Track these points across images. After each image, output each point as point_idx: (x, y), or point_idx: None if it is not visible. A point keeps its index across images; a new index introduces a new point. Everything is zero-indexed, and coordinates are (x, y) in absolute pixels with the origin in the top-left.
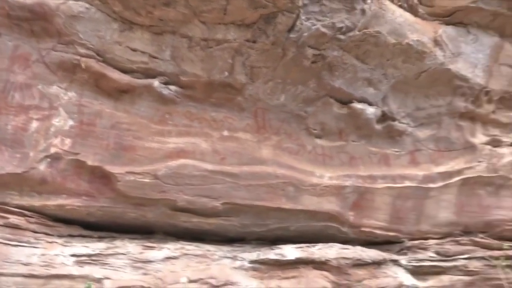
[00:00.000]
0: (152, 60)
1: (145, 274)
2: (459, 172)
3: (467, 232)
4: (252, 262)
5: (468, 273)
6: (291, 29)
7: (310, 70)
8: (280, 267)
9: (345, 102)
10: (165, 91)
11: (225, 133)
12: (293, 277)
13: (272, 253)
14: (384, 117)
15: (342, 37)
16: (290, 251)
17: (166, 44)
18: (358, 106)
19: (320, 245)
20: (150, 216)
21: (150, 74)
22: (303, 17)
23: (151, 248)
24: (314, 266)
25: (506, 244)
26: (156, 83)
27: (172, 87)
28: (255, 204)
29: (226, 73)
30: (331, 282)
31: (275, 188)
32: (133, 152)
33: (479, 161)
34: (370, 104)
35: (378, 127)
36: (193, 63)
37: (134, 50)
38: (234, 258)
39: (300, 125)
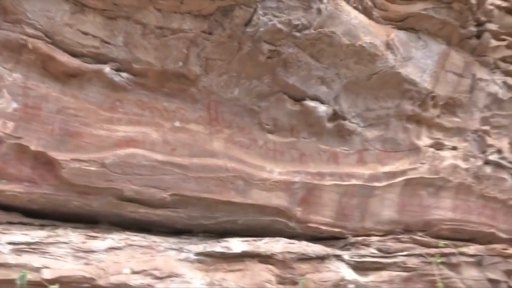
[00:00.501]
0: (103, 45)
1: (87, 264)
2: (403, 172)
3: (407, 230)
4: (197, 254)
5: (406, 269)
6: (248, 23)
7: (265, 65)
8: (226, 260)
9: (298, 99)
10: (116, 78)
11: (177, 124)
12: (239, 270)
13: (218, 246)
14: (335, 116)
15: (297, 34)
16: (236, 244)
17: (119, 30)
18: (311, 104)
19: (266, 239)
20: (95, 205)
21: (101, 59)
22: (260, 12)
23: (95, 238)
24: (260, 260)
25: (442, 243)
26: (107, 69)
27: (124, 74)
28: (204, 196)
29: (181, 63)
30: (275, 276)
31: (225, 181)
32: (79, 138)
33: (422, 163)
34: (322, 102)
35: (329, 125)
36: (147, 51)
37: (85, 33)
38: (180, 250)
39: (252, 120)
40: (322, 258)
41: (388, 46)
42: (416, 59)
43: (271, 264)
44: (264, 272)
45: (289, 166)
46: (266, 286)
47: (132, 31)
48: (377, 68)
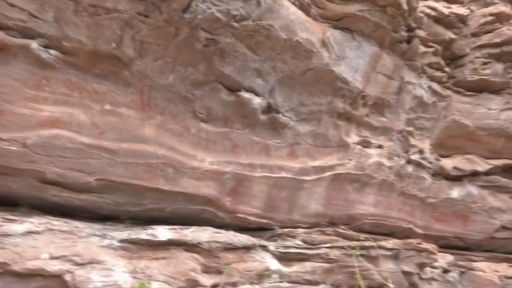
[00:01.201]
0: (32, 19)
1: (1, 248)
2: (331, 167)
3: (332, 223)
4: (121, 241)
5: (328, 260)
6: (186, 9)
7: (201, 53)
8: (151, 247)
9: (233, 89)
10: (44, 55)
11: (107, 107)
12: (163, 258)
13: (143, 233)
14: (269, 109)
15: (236, 25)
16: (162, 232)
17: (49, 4)
18: (246, 95)
19: (194, 228)
20: (15, 187)
21: (28, 34)
22: None
23: (12, 221)
24: (186, 248)
25: (362, 236)
26: (34, 44)
27: (52, 52)
28: (132, 182)
29: (114, 45)
30: (200, 265)
31: (155, 168)
32: (1, 116)
33: (350, 159)
34: (257, 94)
35: (263, 118)
36: (78, 29)
37: (12, 5)
38: (103, 236)
39: (186, 108)
40: (248, 248)
41: (324, 43)
42: (349, 59)
43: (197, 253)
44: (190, 261)
45: (221, 156)
46: (191, 275)
47: (64, 7)
48: (312, 64)
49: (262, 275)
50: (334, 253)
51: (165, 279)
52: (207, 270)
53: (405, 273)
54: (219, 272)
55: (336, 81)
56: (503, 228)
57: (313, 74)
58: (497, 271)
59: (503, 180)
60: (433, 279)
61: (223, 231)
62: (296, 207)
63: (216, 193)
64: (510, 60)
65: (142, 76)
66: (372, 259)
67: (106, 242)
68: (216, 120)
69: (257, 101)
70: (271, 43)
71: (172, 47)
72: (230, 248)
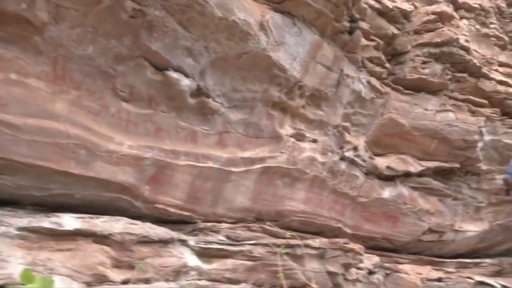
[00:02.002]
0: None
1: None
2: (261, 159)
3: (259, 219)
4: (20, 229)
5: (252, 258)
6: None
7: (127, 25)
8: (54, 237)
9: (160, 68)
10: None
11: (13, 76)
12: (68, 249)
13: (47, 221)
14: (198, 92)
15: None
16: (68, 221)
17: None
18: (174, 75)
19: (105, 218)
20: None
21: None
22: None
23: None
24: (95, 240)
25: (289, 233)
26: None
27: None
28: (38, 164)
29: (24, 6)
30: (110, 258)
31: (65, 149)
32: None
33: (282, 152)
34: (186, 75)
35: (191, 101)
36: None
37: None
38: None
39: (106, 84)
40: (165, 242)
41: (262, 27)
42: (288, 45)
43: (107, 245)
44: (98, 254)
45: (142, 140)
46: (99, 269)
47: None
48: (248, 47)
49: (179, 272)
50: (258, 251)
51: (69, 273)
52: (118, 265)
53: (330, 273)
54: (131, 267)
55: (272, 67)
56: (430, 231)
57: (249, 58)
58: (420, 274)
59: (434, 183)
60: (357, 280)
61: (139, 222)
62: (221, 200)
63: (134, 181)
64: (448, 61)
65: (57, 44)
66: (297, 258)
67: (2, 229)
68: (139, 100)
69: (185, 82)
70: (204, 21)
71: (93, 14)
72: (146, 241)
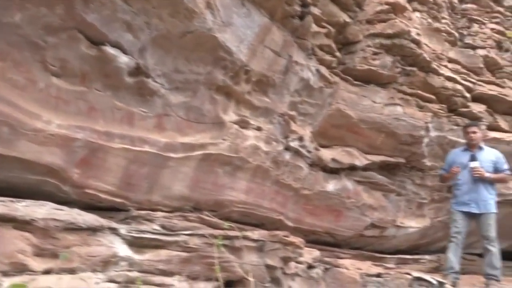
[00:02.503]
0: None
1: None
2: (202, 146)
3: (197, 208)
4: None
5: (187, 249)
6: None
7: None
8: None
9: (96, 42)
10: None
11: None
12: None
13: None
14: (137, 71)
15: None
16: None
17: None
18: (111, 50)
19: (28, 202)
20: None
21: None
22: None
23: None
24: (15, 226)
25: (226, 224)
26: None
27: None
28: None
29: None
30: (32, 246)
31: None
32: None
33: (224, 139)
34: (124, 52)
35: (129, 80)
36: None
37: None
38: None
39: (34, 56)
40: (94, 230)
41: (209, 5)
42: (235, 27)
43: (29, 231)
44: (19, 241)
45: (73, 119)
46: (18, 257)
47: None
48: (193, 26)
49: (108, 262)
50: (195, 242)
51: None
52: (40, 253)
53: (269, 267)
54: (55, 255)
55: (218, 49)
56: (373, 226)
57: (193, 38)
58: (360, 269)
59: (378, 177)
60: (296, 274)
61: (65, 208)
62: (157, 187)
63: (62, 163)
64: (399, 53)
65: None
66: (235, 251)
67: None
68: (71, 76)
69: (123, 59)
70: None
71: None
72: (72, 228)
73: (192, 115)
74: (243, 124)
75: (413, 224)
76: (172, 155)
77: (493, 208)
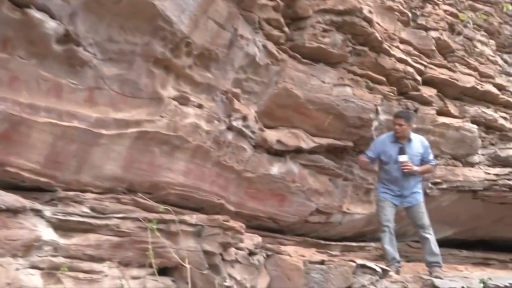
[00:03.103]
0: None
1: None
2: (137, 123)
3: (131, 190)
4: None
5: (118, 233)
6: None
7: None
8: None
9: (19, 4)
10: None
11: None
12: None
13: None
14: (67, 38)
15: None
16: None
17: None
18: (37, 14)
19: None
20: None
21: None
22: None
23: None
24: None
25: (162, 207)
26: None
27: None
28: None
29: None
30: None
31: None
32: None
33: (162, 116)
34: (52, 16)
35: (57, 48)
36: None
37: None
38: None
39: None
40: (15, 212)
41: None
42: None
43: None
44: None
45: None
46: None
47: None
48: None
49: (30, 246)
50: (127, 225)
51: None
52: None
53: (207, 253)
54: None
55: (157, 18)
56: (318, 211)
57: (130, 4)
58: (304, 256)
59: (325, 161)
60: (236, 261)
61: None
62: (87, 167)
63: None
64: (350, 32)
65: None
66: (171, 235)
67: None
68: None
69: (51, 25)
70: None
71: None
72: None
73: (127, 89)
74: (183, 100)
75: (360, 211)
76: (104, 131)
77: (421, 198)
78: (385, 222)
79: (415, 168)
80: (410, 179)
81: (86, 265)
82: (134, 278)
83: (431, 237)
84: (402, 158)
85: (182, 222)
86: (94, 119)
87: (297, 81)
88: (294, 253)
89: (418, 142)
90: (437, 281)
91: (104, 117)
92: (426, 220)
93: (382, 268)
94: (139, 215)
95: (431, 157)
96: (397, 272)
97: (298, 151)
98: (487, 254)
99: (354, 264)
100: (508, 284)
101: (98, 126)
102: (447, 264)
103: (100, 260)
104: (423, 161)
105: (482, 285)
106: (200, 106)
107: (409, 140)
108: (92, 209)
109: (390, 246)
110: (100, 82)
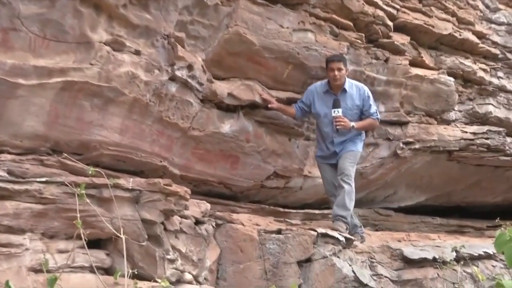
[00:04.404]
0: None
1: None
2: (63, 71)
3: (57, 150)
4: None
5: (42, 200)
6: None
7: None
8: None
9: None
10: None
11: None
12: None
13: None
14: None
15: None
16: None
17: None
18: None
19: None
20: None
21: None
22: None
23: None
24: None
25: (92, 169)
26: None
27: None
28: None
29: None
30: None
31: None
32: None
33: (92, 64)
34: None
35: None
36: None
37: None
38: None
39: None
40: None
41: None
42: None
43: None
44: None
45: None
46: None
47: None
48: None
49: None
50: (52, 191)
51: None
52: None
53: (146, 221)
54: None
55: None
56: (276, 175)
57: None
58: (258, 225)
59: (284, 118)
60: (181, 231)
61: None
62: (3, 123)
63: None
64: None
65: None
66: (104, 202)
67: None
68: None
69: None
70: None
71: None
72: None
73: (50, 32)
74: (117, 45)
75: None
76: (21, 81)
77: (354, 147)
78: (329, 193)
79: (351, 123)
80: (345, 136)
81: (3, 237)
82: (60, 251)
83: (349, 188)
84: (335, 113)
85: (117, 186)
86: (9, 66)
87: (251, 25)
88: (248, 222)
89: (354, 92)
90: (406, 251)
91: (21, 64)
92: (349, 170)
93: (345, 237)
94: (66, 179)
95: (372, 109)
96: (362, 241)
97: (252, 106)
98: (462, 222)
99: (314, 233)
100: (482, 253)
101: (14, 75)
102: (418, 233)
103: (20, 231)
104: (363, 114)
105: (454, 254)
106: (137, 53)
107: (344, 90)
108: (10, 172)
109: None
110: (16, 22)
